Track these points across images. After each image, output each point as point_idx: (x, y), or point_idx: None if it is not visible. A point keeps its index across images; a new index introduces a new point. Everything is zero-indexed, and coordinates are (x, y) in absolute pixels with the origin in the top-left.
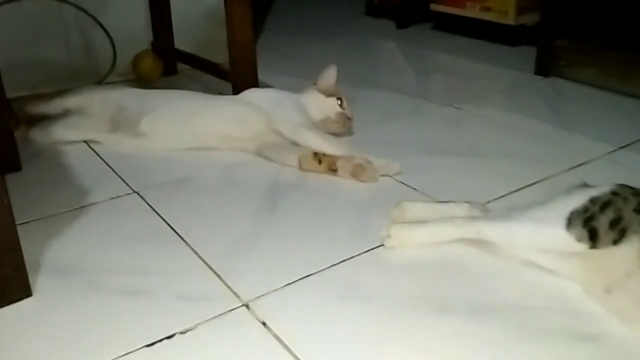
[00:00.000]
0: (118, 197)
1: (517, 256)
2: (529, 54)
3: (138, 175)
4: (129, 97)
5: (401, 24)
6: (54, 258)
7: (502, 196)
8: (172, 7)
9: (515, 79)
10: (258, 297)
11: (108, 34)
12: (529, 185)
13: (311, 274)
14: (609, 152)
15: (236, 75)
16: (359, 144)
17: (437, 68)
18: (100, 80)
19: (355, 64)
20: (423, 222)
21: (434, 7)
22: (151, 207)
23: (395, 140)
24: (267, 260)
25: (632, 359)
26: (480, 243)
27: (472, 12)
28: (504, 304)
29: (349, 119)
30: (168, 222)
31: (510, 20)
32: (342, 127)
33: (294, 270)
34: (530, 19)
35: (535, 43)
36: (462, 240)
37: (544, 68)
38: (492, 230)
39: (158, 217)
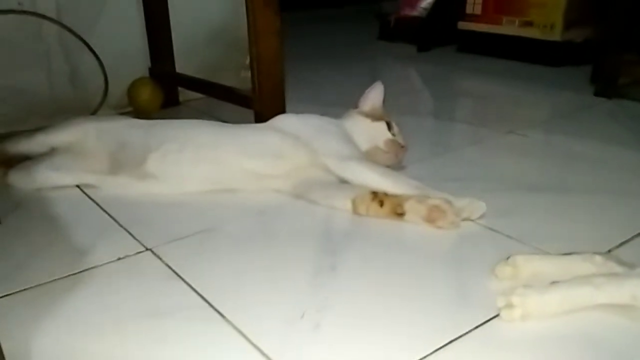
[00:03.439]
0: (127, 256)
1: None
2: (576, 74)
3: (149, 227)
4: (130, 129)
5: (423, 47)
6: (47, 348)
7: (624, 242)
8: (171, 26)
9: (575, 102)
10: None
11: (98, 58)
12: None
13: None
14: None
15: (261, 99)
16: (416, 180)
17: (478, 93)
18: (91, 113)
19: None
20: (550, 283)
21: (462, 25)
22: (171, 269)
23: (463, 174)
24: (344, 345)
25: None
26: (626, 310)
27: (509, 29)
28: None
29: (402, 147)
30: (197, 289)
31: (555, 36)
32: (394, 158)
33: (387, 358)
34: (578, 34)
35: (584, 61)
36: (602, 306)
37: (606, 88)
38: None
39: (183, 282)
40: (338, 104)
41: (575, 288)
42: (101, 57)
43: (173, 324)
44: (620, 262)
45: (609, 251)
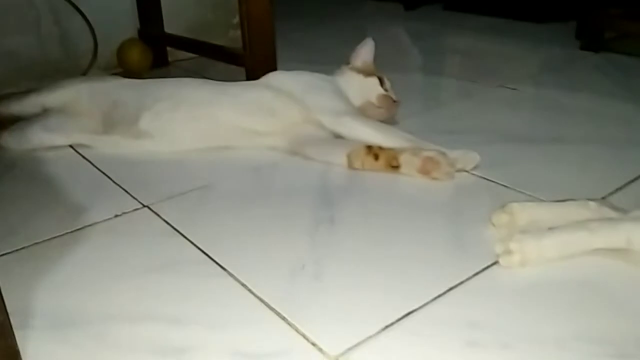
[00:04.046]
0: (124, 213)
1: None
2: (561, 30)
3: (145, 185)
4: (123, 89)
5: (410, 6)
6: (47, 305)
7: (618, 189)
8: None
9: (562, 56)
10: (349, 349)
11: (87, 21)
12: None
13: (412, 311)
14: None
15: (252, 56)
16: (412, 134)
17: (466, 49)
18: (81, 75)
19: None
20: (546, 229)
21: None
22: (170, 225)
23: (455, 127)
24: (344, 294)
25: None
26: (622, 253)
27: None
28: None
29: (394, 101)
30: (198, 245)
31: None
32: (387, 113)
33: (386, 307)
34: None
35: (569, 17)
36: (598, 250)
37: (592, 42)
38: None
39: (183, 238)
40: (328, 63)
41: (571, 233)
42: (90, 19)
43: (174, 279)
44: (614, 208)
45: (603, 198)
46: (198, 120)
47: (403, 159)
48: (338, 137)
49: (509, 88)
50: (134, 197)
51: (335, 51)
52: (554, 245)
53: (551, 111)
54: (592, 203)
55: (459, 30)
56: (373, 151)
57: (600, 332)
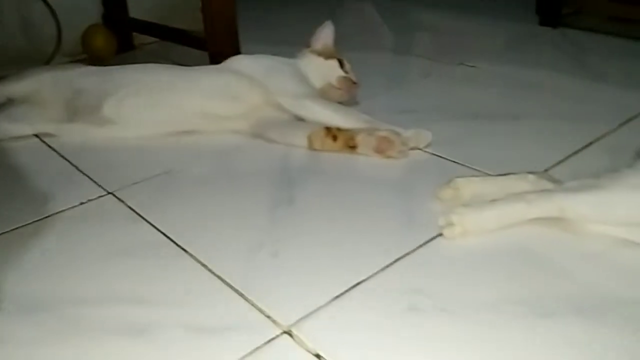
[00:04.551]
0: (89, 200)
1: (606, 234)
2: (522, 4)
3: (109, 172)
4: (86, 77)
5: None
6: (17, 290)
7: (559, 162)
8: None
9: (521, 32)
10: (300, 319)
11: (49, 6)
12: (586, 147)
13: (360, 282)
14: None
15: (214, 41)
16: (370, 114)
17: (428, 25)
18: (45, 62)
19: (338, 27)
20: (486, 202)
21: None
22: (134, 210)
23: (413, 106)
24: (300, 270)
25: None
26: (556, 222)
27: None
28: (613, 298)
29: (354, 83)
30: (160, 229)
31: None
32: (347, 94)
33: (337, 279)
34: None
35: None
36: (535, 220)
37: (550, 18)
38: (580, 205)
39: (146, 223)
40: (297, 43)
41: (509, 204)
42: (53, 5)
43: (137, 262)
44: (552, 180)
45: (546, 170)
46: (161, 106)
47: (360, 139)
48: (299, 119)
49: (468, 65)
50: (98, 185)
51: (304, 31)
52: (493, 216)
53: (507, 88)
54: (531, 176)
55: (425, 7)
56: (332, 132)
57: (532, 294)
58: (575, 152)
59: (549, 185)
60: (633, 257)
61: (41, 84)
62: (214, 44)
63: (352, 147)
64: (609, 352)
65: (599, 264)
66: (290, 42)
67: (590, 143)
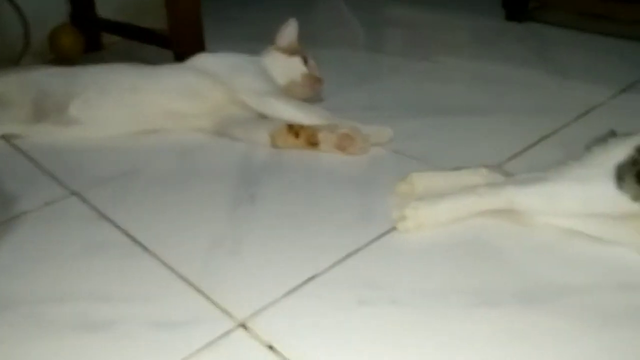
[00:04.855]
0: (54, 202)
1: (554, 225)
2: None
3: (75, 172)
4: (52, 78)
5: None
6: None
7: (514, 155)
8: None
9: (487, 27)
10: (255, 313)
11: (16, 6)
12: (541, 140)
13: (315, 276)
14: (612, 97)
15: (179, 39)
16: (335, 111)
17: (395, 21)
18: (14, 63)
19: (306, 23)
20: (439, 195)
21: None
22: (98, 210)
23: (377, 103)
24: (258, 266)
25: None
26: (507, 214)
27: None
28: (556, 287)
29: (318, 80)
30: (123, 228)
31: None
32: (311, 91)
33: (292, 273)
34: None
35: None
36: (487, 212)
37: (516, 13)
38: (527, 197)
39: (109, 222)
40: (262, 40)
41: (461, 198)
42: (20, 4)
43: (100, 261)
44: (505, 173)
45: (501, 164)
46: (125, 106)
47: (321, 136)
48: (263, 117)
49: (431, 61)
50: (63, 185)
51: (272, 27)
52: (445, 209)
53: (470, 83)
54: (484, 170)
55: (393, 2)
56: (294, 130)
57: (481, 285)
58: (531, 146)
59: (500, 178)
60: (579, 248)
61: (7, 85)
62: (178, 42)
63: (314, 144)
64: (551, 339)
65: (546, 255)
66: (257, 39)
67: (547, 136)
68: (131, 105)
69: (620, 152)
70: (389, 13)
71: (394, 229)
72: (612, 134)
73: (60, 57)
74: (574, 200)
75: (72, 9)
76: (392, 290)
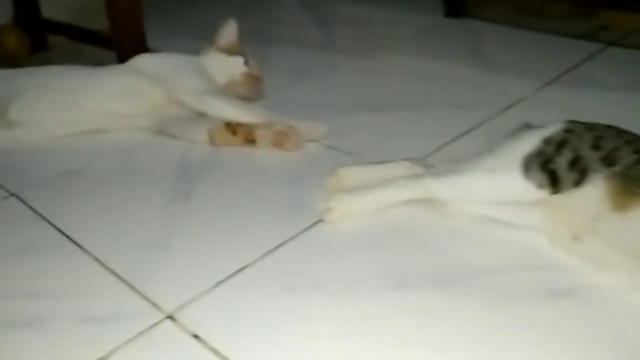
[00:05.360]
0: None
1: (471, 213)
2: None
3: (14, 174)
4: None
5: None
6: None
7: (439, 148)
8: None
9: (426, 23)
10: (184, 304)
11: None
12: (465, 133)
13: (244, 267)
14: (536, 90)
15: (120, 40)
16: (274, 108)
17: (340, 19)
18: None
19: (253, 21)
20: (363, 188)
21: None
22: (35, 211)
23: (315, 100)
24: (189, 260)
25: (612, 307)
26: (429, 203)
27: None
28: (469, 269)
29: (258, 79)
30: (59, 227)
31: None
32: (251, 90)
33: (222, 266)
34: None
35: None
36: (409, 202)
37: (454, 9)
38: (441, 187)
39: (46, 222)
40: (205, 38)
41: (383, 189)
42: None
43: (34, 260)
44: (425, 165)
45: (425, 157)
46: (65, 107)
47: (258, 133)
48: (202, 116)
49: (370, 59)
50: (2, 187)
51: (217, 25)
52: (368, 200)
53: (404, 79)
54: (406, 163)
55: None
56: (231, 128)
57: (400, 269)
58: (455, 139)
59: (421, 170)
60: (491, 232)
61: None
62: (120, 43)
63: (251, 142)
64: (462, 318)
65: (462, 240)
66: (205, 38)
67: (471, 129)
68: (71, 106)
69: (529, 143)
70: (338, 11)
71: (321, 220)
72: (527, 126)
73: (5, 58)
74: (483, 189)
75: (16, 10)
76: (317, 278)
